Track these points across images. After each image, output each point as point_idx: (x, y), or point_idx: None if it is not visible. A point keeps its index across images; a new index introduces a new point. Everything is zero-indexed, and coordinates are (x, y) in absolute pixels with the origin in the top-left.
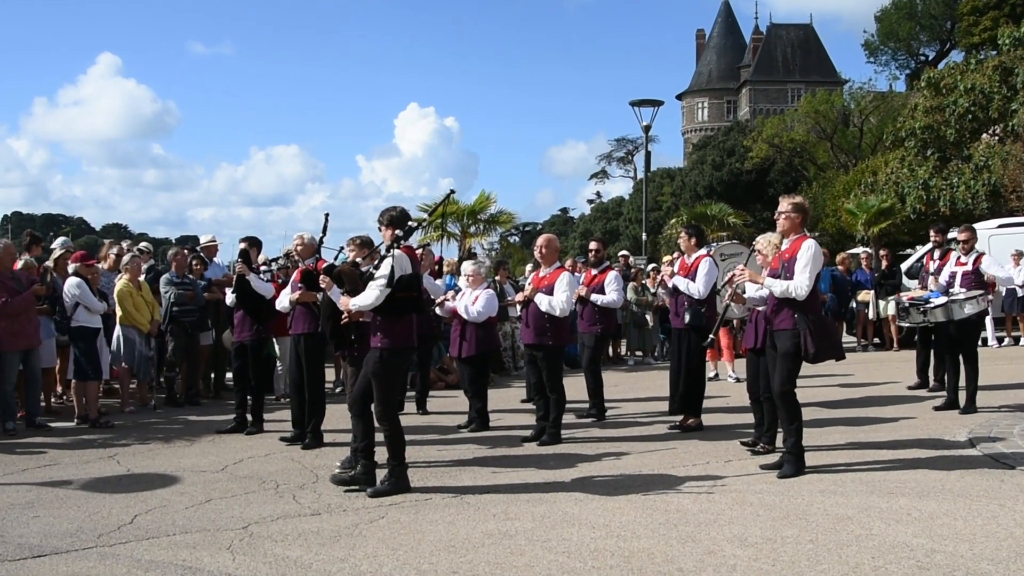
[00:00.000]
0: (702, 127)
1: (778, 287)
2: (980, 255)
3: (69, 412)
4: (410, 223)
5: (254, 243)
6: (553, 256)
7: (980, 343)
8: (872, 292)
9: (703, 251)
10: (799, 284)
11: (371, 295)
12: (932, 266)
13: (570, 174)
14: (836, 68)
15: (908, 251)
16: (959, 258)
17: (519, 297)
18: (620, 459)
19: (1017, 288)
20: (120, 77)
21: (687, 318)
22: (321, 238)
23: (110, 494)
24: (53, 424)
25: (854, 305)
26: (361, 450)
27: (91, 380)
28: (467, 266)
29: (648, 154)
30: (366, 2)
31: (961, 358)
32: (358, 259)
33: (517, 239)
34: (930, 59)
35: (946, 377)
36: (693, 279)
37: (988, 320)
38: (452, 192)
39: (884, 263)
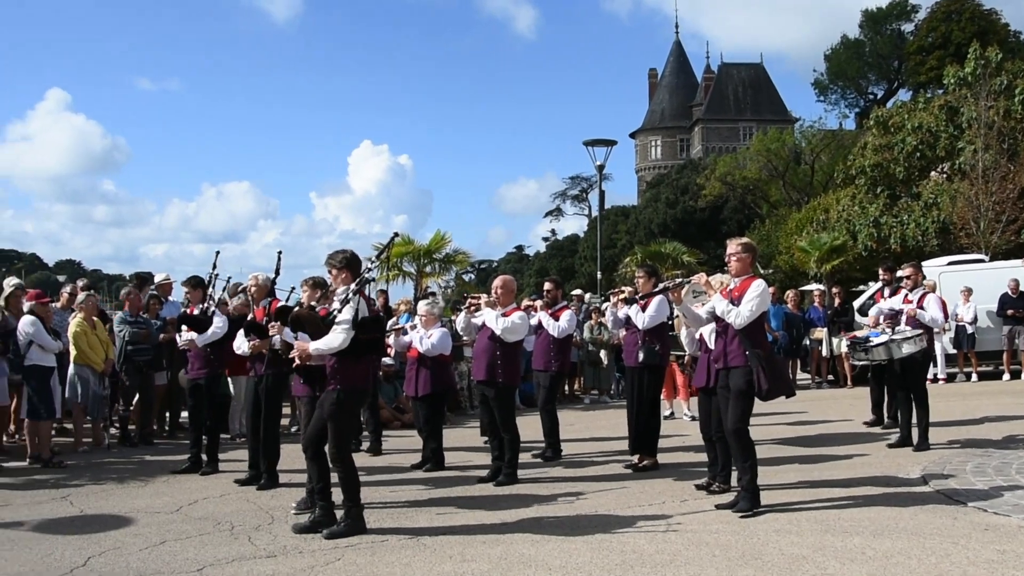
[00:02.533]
0: (656, 165)
1: (721, 305)
2: (925, 293)
3: (21, 451)
4: (368, 267)
5: (197, 283)
6: (509, 298)
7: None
8: (825, 329)
9: (657, 289)
10: (741, 312)
11: (337, 338)
12: (884, 304)
13: (521, 211)
14: (787, 106)
15: (861, 288)
16: (906, 295)
17: (473, 301)
18: (576, 499)
19: (967, 325)
20: (70, 112)
21: (641, 356)
22: (274, 278)
23: (63, 535)
24: (5, 464)
25: (807, 342)
26: (318, 492)
27: (44, 419)
28: (421, 306)
29: (602, 193)
30: (316, 40)
31: (911, 396)
32: (312, 302)
33: (472, 277)
34: (879, 98)
35: (899, 414)
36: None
37: (939, 356)
38: (396, 235)
39: (837, 300)
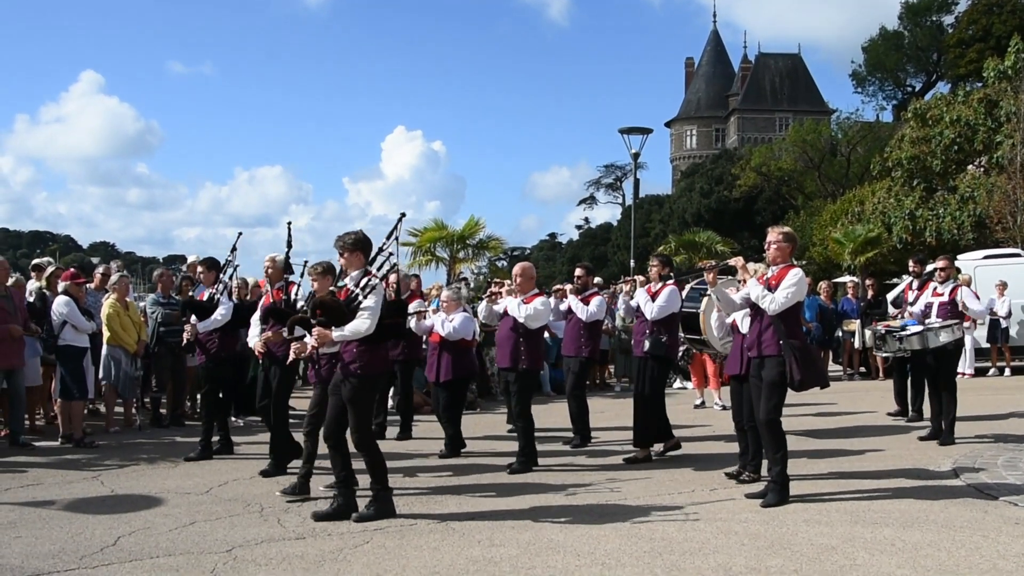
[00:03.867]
0: (691, 155)
1: (756, 291)
2: (957, 285)
3: (53, 431)
4: (387, 250)
5: (212, 265)
6: (529, 284)
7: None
8: (858, 321)
9: (670, 282)
10: (776, 298)
11: (363, 324)
12: (911, 296)
13: (553, 199)
14: (824, 98)
15: (895, 280)
16: (936, 288)
17: (495, 290)
18: (606, 486)
19: (1001, 319)
20: (103, 95)
21: (647, 346)
22: (287, 252)
23: (93, 515)
24: (37, 443)
25: (840, 334)
26: (341, 481)
27: (76, 399)
28: (444, 292)
29: (637, 181)
30: (350, 25)
31: (940, 387)
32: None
33: (505, 264)
34: (917, 90)
35: (929, 406)
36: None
37: (967, 350)
38: (403, 215)
39: (870, 292)
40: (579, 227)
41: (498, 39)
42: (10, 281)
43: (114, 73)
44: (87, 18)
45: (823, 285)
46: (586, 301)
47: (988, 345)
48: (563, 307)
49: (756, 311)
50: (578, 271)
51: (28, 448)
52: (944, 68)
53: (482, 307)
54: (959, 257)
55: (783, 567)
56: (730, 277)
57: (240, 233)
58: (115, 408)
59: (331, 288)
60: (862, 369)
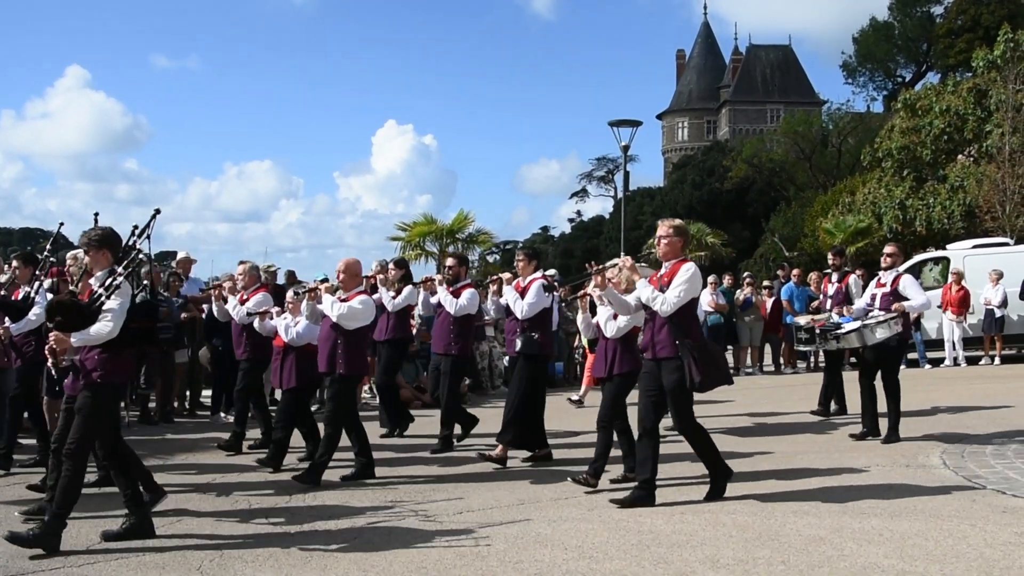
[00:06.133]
0: (682, 147)
1: (646, 292)
2: (899, 275)
3: None
4: (136, 246)
5: (28, 260)
6: (353, 281)
7: (905, 365)
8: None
9: (538, 274)
10: (667, 299)
11: (105, 327)
12: (831, 289)
13: (543, 192)
14: (815, 89)
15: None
16: (880, 278)
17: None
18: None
19: (995, 309)
20: (89, 89)
21: (518, 345)
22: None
23: (80, 512)
24: (23, 441)
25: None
26: (128, 498)
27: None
28: (288, 294)
29: (627, 173)
30: (337, 18)
31: (883, 385)
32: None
33: (497, 258)
34: (907, 80)
35: (861, 405)
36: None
37: (956, 340)
38: (158, 211)
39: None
40: (571, 220)
41: (486, 30)
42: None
43: (100, 67)
44: (71, 10)
45: (813, 276)
46: (456, 294)
47: (982, 335)
48: (433, 300)
49: (650, 312)
50: (449, 261)
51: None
52: (934, 58)
53: (304, 305)
54: (948, 247)
55: (771, 558)
56: (643, 265)
57: (62, 224)
58: None
59: (71, 288)
60: (852, 360)
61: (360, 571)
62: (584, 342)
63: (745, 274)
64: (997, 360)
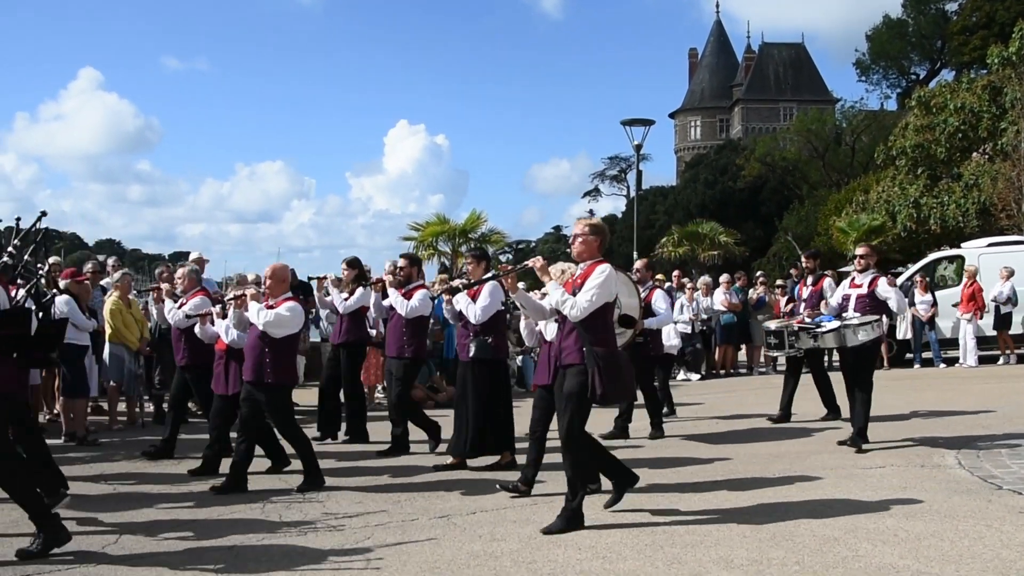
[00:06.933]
0: (695, 145)
1: (556, 295)
2: (876, 276)
3: (56, 429)
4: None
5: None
6: (280, 288)
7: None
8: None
9: (488, 275)
10: (578, 303)
11: None
12: (805, 292)
13: (553, 192)
14: (828, 87)
15: (899, 269)
16: (854, 279)
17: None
18: (606, 480)
19: (1000, 305)
20: (102, 91)
21: (472, 350)
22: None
23: (95, 513)
24: None
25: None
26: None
27: (79, 397)
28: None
29: (639, 172)
30: (347, 18)
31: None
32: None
33: (510, 257)
34: (921, 78)
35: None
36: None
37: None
38: (44, 213)
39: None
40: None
41: (495, 30)
42: None
43: (112, 69)
44: (85, 13)
45: (830, 274)
46: (408, 295)
47: (995, 333)
48: (385, 303)
49: (562, 316)
50: (400, 261)
51: None
52: (948, 55)
53: (231, 314)
54: (963, 245)
55: (785, 559)
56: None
57: (44, 212)
58: (118, 406)
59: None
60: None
61: (374, 570)
62: None
63: (758, 273)
64: (1013, 359)
